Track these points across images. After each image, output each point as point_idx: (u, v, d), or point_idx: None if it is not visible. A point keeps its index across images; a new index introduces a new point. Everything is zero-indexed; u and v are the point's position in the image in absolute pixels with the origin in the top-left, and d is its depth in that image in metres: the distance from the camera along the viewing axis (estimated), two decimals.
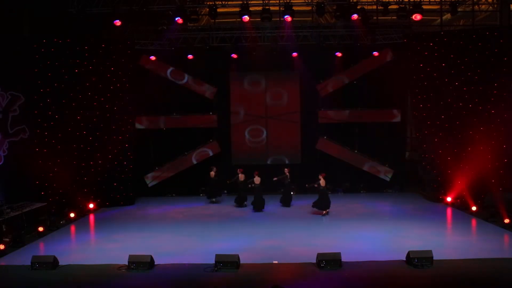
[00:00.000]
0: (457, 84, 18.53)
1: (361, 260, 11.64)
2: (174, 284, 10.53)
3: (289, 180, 18.53)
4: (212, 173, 19.52)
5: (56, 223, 16.11)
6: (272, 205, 18.47)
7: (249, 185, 18.21)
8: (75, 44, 18.52)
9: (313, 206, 17.25)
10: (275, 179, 18.55)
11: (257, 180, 17.99)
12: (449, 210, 17.84)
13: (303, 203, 18.37)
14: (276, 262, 11.82)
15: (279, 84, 21.70)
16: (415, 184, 21.52)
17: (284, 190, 18.80)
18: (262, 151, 21.85)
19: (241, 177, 18.60)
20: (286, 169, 18.67)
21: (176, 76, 21.27)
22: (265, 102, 21.75)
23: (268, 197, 18.40)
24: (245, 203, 18.77)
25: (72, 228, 16.27)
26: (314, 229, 15.12)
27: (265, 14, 17.04)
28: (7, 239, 13.66)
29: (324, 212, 17.17)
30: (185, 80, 21.31)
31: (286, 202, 18.73)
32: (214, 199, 19.79)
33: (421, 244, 12.63)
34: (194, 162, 21.55)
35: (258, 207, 17.97)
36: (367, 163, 21.47)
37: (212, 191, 19.81)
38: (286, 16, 17.10)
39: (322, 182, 17.13)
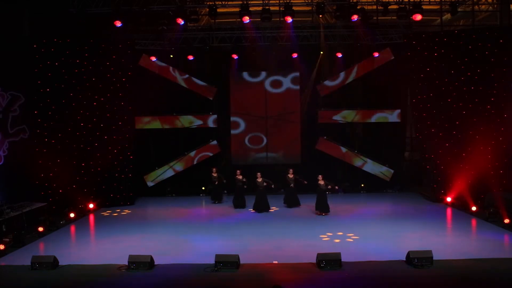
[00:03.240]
0: (457, 84, 18.53)
1: (361, 260, 11.65)
2: (174, 284, 10.53)
3: (299, 180, 18.44)
4: (214, 174, 19.53)
5: (56, 223, 16.11)
6: (272, 205, 18.44)
7: (243, 181, 18.31)
8: (75, 44, 18.54)
9: (316, 209, 17.39)
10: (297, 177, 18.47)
11: (260, 180, 17.96)
12: (449, 210, 17.83)
13: (304, 203, 18.40)
14: (276, 262, 11.82)
15: (279, 84, 21.71)
16: (415, 184, 21.54)
17: (288, 190, 18.77)
18: (262, 151, 21.86)
19: (240, 177, 18.60)
20: (290, 170, 18.59)
21: (176, 76, 21.30)
22: (265, 102, 21.75)
23: (270, 197, 18.41)
24: (240, 207, 18.69)
25: (72, 228, 16.27)
26: (314, 229, 15.12)
27: (265, 14, 16.99)
28: (7, 239, 13.67)
29: (321, 213, 17.21)
30: (184, 81, 21.33)
31: (292, 202, 18.62)
32: (217, 201, 19.79)
33: (421, 244, 12.65)
34: (194, 162, 21.56)
35: (260, 208, 17.93)
36: (367, 163, 21.49)
37: (215, 194, 19.82)
38: (285, 17, 17.05)
39: (321, 182, 17.22)
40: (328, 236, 14.22)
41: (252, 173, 18.46)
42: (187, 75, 21.32)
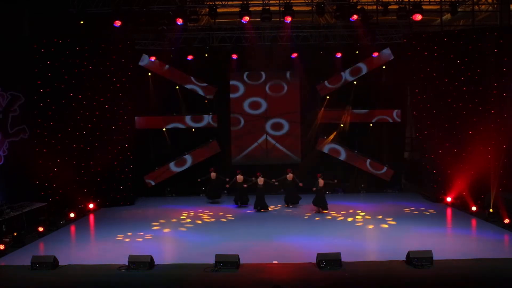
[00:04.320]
0: (457, 84, 18.54)
1: (361, 260, 11.65)
2: (174, 284, 10.53)
3: (294, 179, 18.51)
4: (212, 174, 19.53)
5: (56, 223, 16.11)
6: (273, 205, 18.46)
7: (250, 183, 18.29)
8: (75, 44, 18.54)
9: (313, 204, 17.58)
10: (275, 181, 18.64)
11: (260, 180, 18.05)
12: (449, 210, 17.84)
13: (303, 203, 18.40)
14: (276, 262, 11.82)
15: (279, 84, 21.70)
16: (415, 184, 21.55)
17: (288, 189, 18.79)
18: (261, 151, 21.86)
19: (240, 178, 18.65)
20: (288, 170, 18.73)
21: (176, 77, 21.30)
22: (265, 102, 21.75)
23: (270, 197, 18.45)
24: (243, 203, 18.82)
25: (72, 228, 16.27)
26: (314, 229, 15.12)
27: (265, 14, 16.99)
28: (7, 239, 13.67)
29: (320, 211, 17.33)
30: (184, 81, 21.36)
31: (292, 200, 18.72)
32: (215, 200, 19.81)
33: (421, 244, 12.66)
34: (192, 162, 21.57)
35: (259, 207, 17.99)
36: (367, 163, 21.49)
37: (212, 192, 19.82)
38: (285, 17, 17.05)
39: (320, 182, 17.32)
40: (325, 236, 14.25)
41: (253, 173, 18.52)
42: (186, 75, 21.32)
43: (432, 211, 17.67)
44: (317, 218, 16.80)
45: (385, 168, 21.47)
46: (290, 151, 21.82)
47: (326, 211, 17.34)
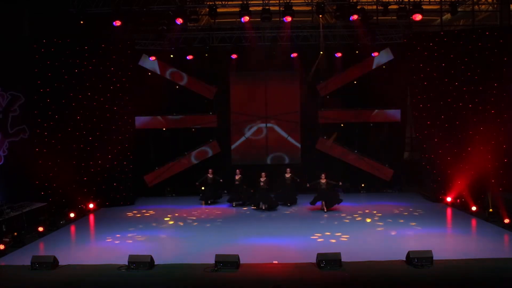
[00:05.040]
0: (457, 84, 18.55)
1: (361, 260, 11.65)
2: (174, 284, 10.53)
3: (294, 179, 18.65)
4: (210, 175, 19.50)
5: (56, 223, 16.11)
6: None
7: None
8: (75, 44, 18.54)
9: (311, 203, 17.82)
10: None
11: (264, 181, 18.13)
12: (449, 210, 17.84)
13: (303, 203, 18.41)
14: (276, 262, 11.82)
15: (279, 84, 21.70)
16: (415, 184, 21.56)
17: (285, 188, 18.83)
18: (262, 151, 21.86)
19: (238, 177, 18.71)
20: (288, 169, 18.79)
21: (175, 77, 21.29)
22: (265, 102, 21.75)
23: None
24: (242, 202, 18.90)
25: (72, 228, 16.27)
26: (314, 229, 15.11)
27: (265, 14, 17.00)
28: (7, 239, 13.67)
29: (324, 208, 17.60)
30: (184, 81, 21.34)
31: (291, 200, 18.80)
32: (213, 200, 19.79)
33: (421, 244, 12.66)
34: (194, 161, 21.57)
35: (263, 205, 18.07)
36: (367, 163, 21.49)
37: (209, 194, 19.76)
38: (285, 17, 17.05)
39: (323, 181, 17.56)
40: (325, 236, 14.24)
41: (253, 173, 18.57)
42: (186, 75, 21.31)
43: (432, 211, 17.65)
44: (317, 218, 16.79)
45: (385, 168, 21.46)
46: (290, 151, 21.80)
47: (333, 206, 17.71)
